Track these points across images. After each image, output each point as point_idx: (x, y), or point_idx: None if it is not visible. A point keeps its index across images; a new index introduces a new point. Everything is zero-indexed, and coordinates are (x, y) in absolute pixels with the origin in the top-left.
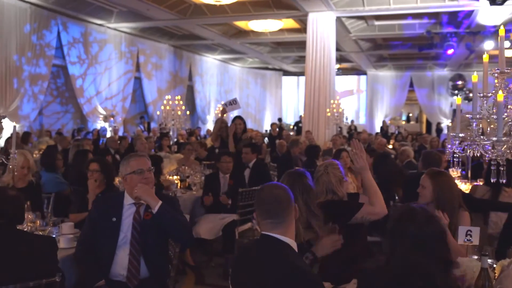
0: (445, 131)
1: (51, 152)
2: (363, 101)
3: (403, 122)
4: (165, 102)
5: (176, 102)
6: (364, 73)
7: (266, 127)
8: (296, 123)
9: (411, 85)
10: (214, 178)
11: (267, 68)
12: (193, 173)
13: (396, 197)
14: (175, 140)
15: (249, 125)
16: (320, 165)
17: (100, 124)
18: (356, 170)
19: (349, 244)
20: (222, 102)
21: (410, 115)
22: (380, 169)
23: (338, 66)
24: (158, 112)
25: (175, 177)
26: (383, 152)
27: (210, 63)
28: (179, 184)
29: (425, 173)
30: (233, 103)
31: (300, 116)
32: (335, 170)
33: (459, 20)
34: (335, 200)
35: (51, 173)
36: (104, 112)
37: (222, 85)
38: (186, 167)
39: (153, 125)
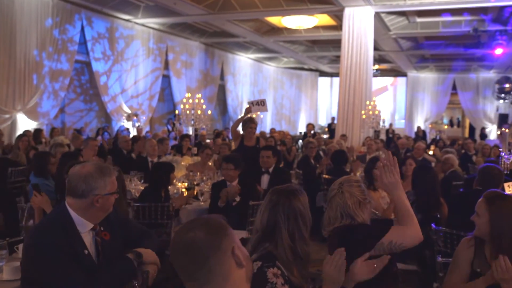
0: (490, 137)
1: (44, 154)
2: (400, 104)
3: (446, 127)
4: (184, 100)
5: (197, 100)
6: (404, 75)
7: (301, 129)
8: (329, 125)
9: (454, 87)
10: (222, 187)
11: (302, 69)
12: (205, 180)
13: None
14: (196, 141)
15: (283, 126)
16: (334, 182)
17: (124, 123)
18: (383, 188)
19: (372, 281)
20: (249, 101)
21: (452, 118)
22: (419, 183)
23: (376, 66)
24: (176, 111)
25: (185, 184)
26: (424, 162)
27: (243, 62)
28: (185, 193)
29: (482, 196)
30: (260, 104)
31: (332, 118)
32: (353, 189)
33: (508, 16)
34: (353, 224)
35: (40, 178)
36: (129, 111)
37: (256, 85)
38: (199, 173)
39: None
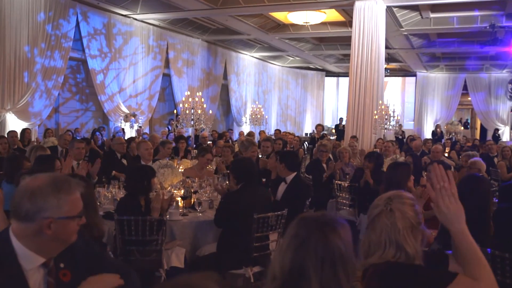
0: (502, 138)
1: (16, 157)
2: (409, 105)
3: (461, 128)
4: (183, 99)
5: (197, 99)
6: (413, 75)
7: (307, 130)
8: (336, 126)
9: (464, 87)
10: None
11: (308, 68)
12: (203, 187)
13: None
14: (197, 143)
15: (288, 128)
16: (379, 197)
17: (121, 124)
18: (441, 220)
19: None
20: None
21: (457, 121)
22: (466, 200)
23: (385, 66)
24: (174, 111)
25: (182, 191)
26: (472, 172)
27: (247, 61)
28: (181, 202)
29: None
30: None
31: (340, 119)
32: (406, 207)
33: None
34: (399, 262)
35: (12, 184)
36: (127, 111)
37: (260, 85)
38: (197, 179)
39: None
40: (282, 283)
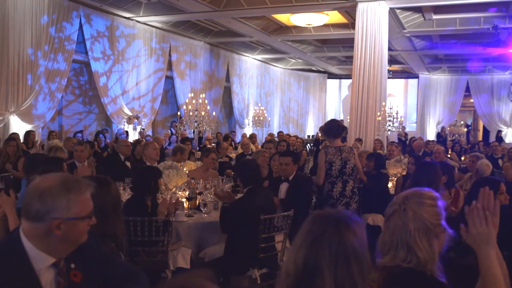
0: (505, 140)
1: (37, 155)
2: (411, 107)
3: (464, 130)
4: (187, 101)
5: (200, 101)
6: (415, 77)
7: (309, 132)
8: None
9: (467, 89)
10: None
11: (311, 70)
12: (208, 188)
13: None
14: (201, 145)
15: (291, 130)
16: (398, 196)
17: (125, 126)
18: (469, 241)
19: None
20: None
21: (462, 122)
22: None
23: (387, 67)
24: (178, 113)
25: (187, 193)
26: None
27: (249, 63)
28: (186, 204)
29: None
30: None
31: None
32: (422, 208)
33: None
34: (413, 271)
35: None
36: (130, 113)
37: (263, 87)
38: (202, 180)
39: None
40: (295, 279)
